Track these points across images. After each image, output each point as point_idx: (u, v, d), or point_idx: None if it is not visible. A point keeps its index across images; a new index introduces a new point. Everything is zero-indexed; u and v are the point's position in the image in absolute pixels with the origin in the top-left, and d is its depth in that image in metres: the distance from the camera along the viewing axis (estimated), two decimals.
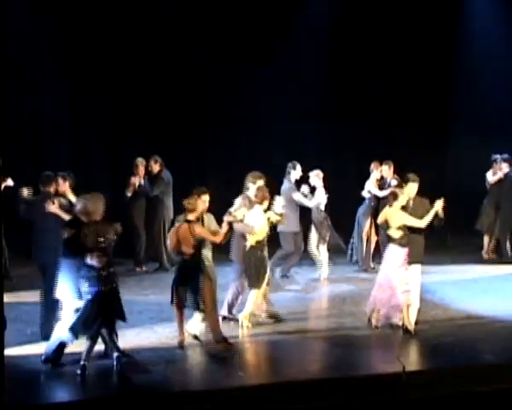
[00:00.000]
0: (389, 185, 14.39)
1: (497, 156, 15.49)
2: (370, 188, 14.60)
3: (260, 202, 10.83)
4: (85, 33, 15.72)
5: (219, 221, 10.44)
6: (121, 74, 16.28)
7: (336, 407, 8.55)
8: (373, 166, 14.72)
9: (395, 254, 10.50)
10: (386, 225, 10.69)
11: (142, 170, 14.66)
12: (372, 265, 14.67)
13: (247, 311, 10.78)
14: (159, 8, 16.17)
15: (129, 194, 14.55)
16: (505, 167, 15.34)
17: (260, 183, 11.09)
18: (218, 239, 9.99)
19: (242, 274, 10.93)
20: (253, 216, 10.76)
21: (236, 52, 16.71)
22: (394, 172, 14.64)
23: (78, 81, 16.14)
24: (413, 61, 17.77)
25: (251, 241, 10.72)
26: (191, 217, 9.93)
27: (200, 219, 10.06)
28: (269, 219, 10.81)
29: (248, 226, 10.71)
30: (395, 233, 10.51)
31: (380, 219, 10.91)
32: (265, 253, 10.86)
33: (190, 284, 9.85)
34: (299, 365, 9.49)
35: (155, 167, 14.82)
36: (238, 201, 11.15)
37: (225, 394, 8.51)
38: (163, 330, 10.51)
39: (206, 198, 10.21)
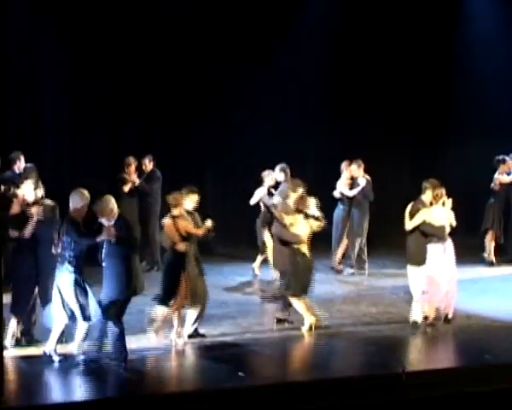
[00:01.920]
0: (358, 185, 14.47)
1: (504, 157, 15.39)
2: (341, 189, 14.56)
3: (301, 211, 10.78)
4: (85, 33, 15.69)
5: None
6: (121, 74, 16.26)
7: (336, 407, 8.54)
8: (343, 166, 14.68)
9: (452, 249, 10.95)
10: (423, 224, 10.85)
11: (134, 168, 14.68)
12: (340, 267, 14.71)
13: (307, 321, 10.71)
14: (159, 7, 16.16)
15: (126, 189, 14.57)
16: None
17: (300, 191, 11.05)
18: (200, 232, 10.14)
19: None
20: (300, 227, 10.72)
21: (236, 52, 16.71)
22: (365, 171, 14.64)
23: (78, 81, 16.11)
24: (413, 60, 17.74)
25: (300, 248, 10.69)
26: (175, 212, 10.00)
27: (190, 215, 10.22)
28: (311, 226, 10.77)
29: (296, 236, 10.70)
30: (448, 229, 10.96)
31: (416, 221, 10.90)
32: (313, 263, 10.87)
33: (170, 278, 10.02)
34: (299, 365, 9.49)
35: (149, 166, 14.88)
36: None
37: (224, 394, 8.51)
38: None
39: (195, 198, 10.35)
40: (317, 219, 10.80)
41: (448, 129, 18.20)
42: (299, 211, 10.77)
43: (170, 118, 16.81)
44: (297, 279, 10.65)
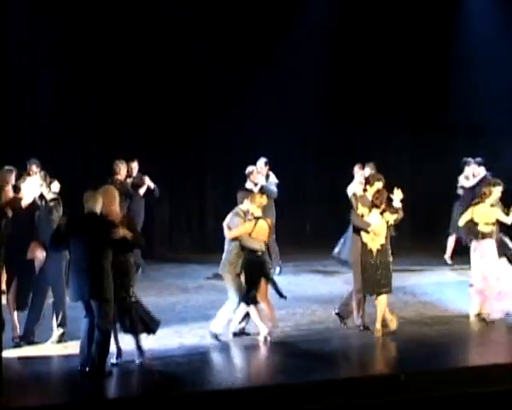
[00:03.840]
0: None
1: (469, 159, 15.28)
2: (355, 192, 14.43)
3: (378, 206, 10.58)
4: (85, 33, 15.73)
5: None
6: (121, 75, 16.28)
7: (336, 408, 8.55)
8: (356, 169, 14.59)
9: (491, 247, 11.16)
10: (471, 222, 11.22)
11: (126, 172, 14.57)
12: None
13: (378, 320, 10.56)
14: (158, 7, 16.18)
15: (142, 192, 14.58)
16: (482, 171, 15.14)
17: (379, 185, 10.91)
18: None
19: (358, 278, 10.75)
20: (371, 218, 10.55)
21: (236, 52, 16.72)
22: None
23: (78, 81, 16.15)
24: (413, 60, 17.76)
25: (368, 244, 10.54)
26: (259, 212, 10.11)
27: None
28: (387, 222, 10.55)
29: (366, 223, 10.52)
30: (486, 228, 11.14)
31: (466, 218, 11.30)
32: (387, 259, 10.58)
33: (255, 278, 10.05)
34: (299, 366, 9.48)
35: (136, 169, 14.74)
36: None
37: (224, 394, 8.52)
38: (161, 332, 10.45)
39: None
40: (396, 211, 10.58)
41: (447, 130, 18.20)
42: (375, 205, 10.57)
43: (169, 118, 16.82)
44: (364, 279, 10.55)
